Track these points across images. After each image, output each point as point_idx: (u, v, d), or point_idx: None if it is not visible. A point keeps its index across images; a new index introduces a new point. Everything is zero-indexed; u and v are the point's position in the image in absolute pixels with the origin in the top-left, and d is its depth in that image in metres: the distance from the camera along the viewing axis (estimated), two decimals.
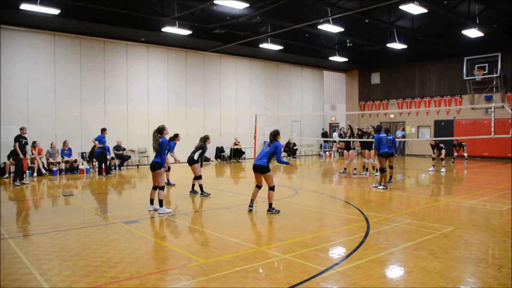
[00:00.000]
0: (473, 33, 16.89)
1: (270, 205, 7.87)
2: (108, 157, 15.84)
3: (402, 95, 25.66)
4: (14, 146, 12.46)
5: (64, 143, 15.76)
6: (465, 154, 17.78)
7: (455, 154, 17.59)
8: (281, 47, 19.61)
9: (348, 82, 28.82)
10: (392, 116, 25.92)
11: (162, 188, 8.07)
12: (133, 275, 4.51)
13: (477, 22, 16.20)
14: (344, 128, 20.44)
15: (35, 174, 14.65)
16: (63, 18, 14.68)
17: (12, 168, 13.65)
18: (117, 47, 18.45)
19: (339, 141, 19.60)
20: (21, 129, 12.73)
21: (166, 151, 9.00)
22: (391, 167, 12.46)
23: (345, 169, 14.94)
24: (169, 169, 11.80)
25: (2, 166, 14.45)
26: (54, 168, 15.20)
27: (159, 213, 7.92)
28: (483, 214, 7.83)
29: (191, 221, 7.48)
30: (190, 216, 8.05)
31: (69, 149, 15.84)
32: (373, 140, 12.41)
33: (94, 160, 15.87)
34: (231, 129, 22.54)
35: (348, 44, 21.01)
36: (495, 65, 20.87)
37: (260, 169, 7.78)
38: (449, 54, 22.44)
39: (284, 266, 4.86)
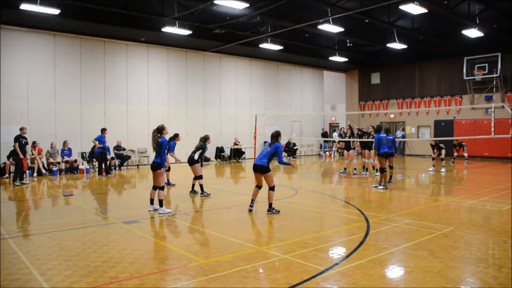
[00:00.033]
0: (473, 33, 16.89)
1: (270, 205, 7.87)
2: (108, 157, 15.85)
3: (402, 95, 25.65)
4: (14, 146, 12.46)
5: (64, 143, 15.76)
6: (465, 154, 17.78)
7: (455, 154, 17.58)
8: (281, 47, 19.61)
9: (348, 82, 28.82)
10: (392, 116, 25.91)
11: (162, 188, 8.07)
12: (133, 275, 4.51)
13: (477, 22, 16.20)
14: (344, 128, 20.44)
15: (35, 174, 14.66)
16: (63, 18, 14.68)
17: (12, 168, 13.65)
18: (117, 47, 18.45)
19: (339, 141, 19.59)
20: (21, 129, 12.73)
21: (166, 151, 8.99)
22: (391, 167, 12.46)
23: (345, 169, 14.94)
24: (169, 169, 11.80)
25: (2, 166, 14.46)
26: (54, 168, 15.20)
27: (159, 213, 7.92)
28: (483, 214, 7.83)
29: (191, 221, 7.48)
30: (190, 216, 8.05)
31: (69, 149, 15.84)
32: (373, 140, 12.41)
33: (94, 160, 15.87)
34: (231, 129, 22.54)
35: (348, 44, 21.00)
36: (495, 65, 20.87)
37: (260, 169, 7.78)
38: (449, 54, 22.44)
39: (284, 266, 4.85)
